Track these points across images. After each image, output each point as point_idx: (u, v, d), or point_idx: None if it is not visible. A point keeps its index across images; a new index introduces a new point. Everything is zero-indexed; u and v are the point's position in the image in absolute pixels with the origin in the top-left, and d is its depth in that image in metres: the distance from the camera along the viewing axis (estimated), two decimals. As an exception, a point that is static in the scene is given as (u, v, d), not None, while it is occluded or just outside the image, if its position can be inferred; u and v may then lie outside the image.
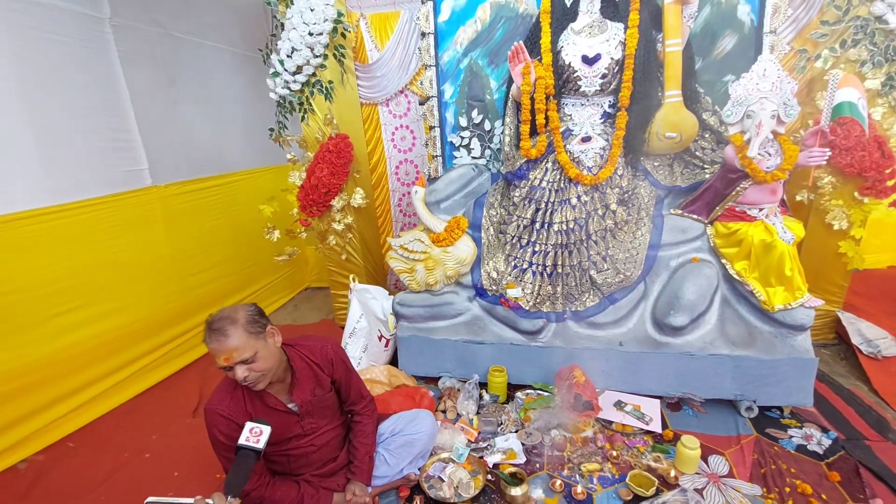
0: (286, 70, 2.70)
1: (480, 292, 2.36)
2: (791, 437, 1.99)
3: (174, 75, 3.06)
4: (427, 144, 2.72)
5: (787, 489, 1.71)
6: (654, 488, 1.71)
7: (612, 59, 2.08)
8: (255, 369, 1.36)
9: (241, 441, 1.24)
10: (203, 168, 3.28)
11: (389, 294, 2.68)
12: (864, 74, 2.34)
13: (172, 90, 3.05)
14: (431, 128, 2.66)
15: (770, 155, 1.95)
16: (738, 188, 2.02)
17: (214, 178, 3.38)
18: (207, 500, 0.95)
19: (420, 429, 1.84)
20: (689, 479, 1.76)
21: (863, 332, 2.71)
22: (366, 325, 2.55)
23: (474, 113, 2.60)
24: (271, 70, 2.77)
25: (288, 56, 2.66)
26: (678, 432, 1.98)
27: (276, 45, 2.72)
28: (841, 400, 2.26)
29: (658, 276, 2.23)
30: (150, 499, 0.98)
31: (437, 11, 2.52)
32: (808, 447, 1.93)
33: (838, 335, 2.83)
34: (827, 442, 1.95)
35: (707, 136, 2.30)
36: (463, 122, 2.61)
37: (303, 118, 2.89)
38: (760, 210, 2.03)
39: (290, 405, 1.52)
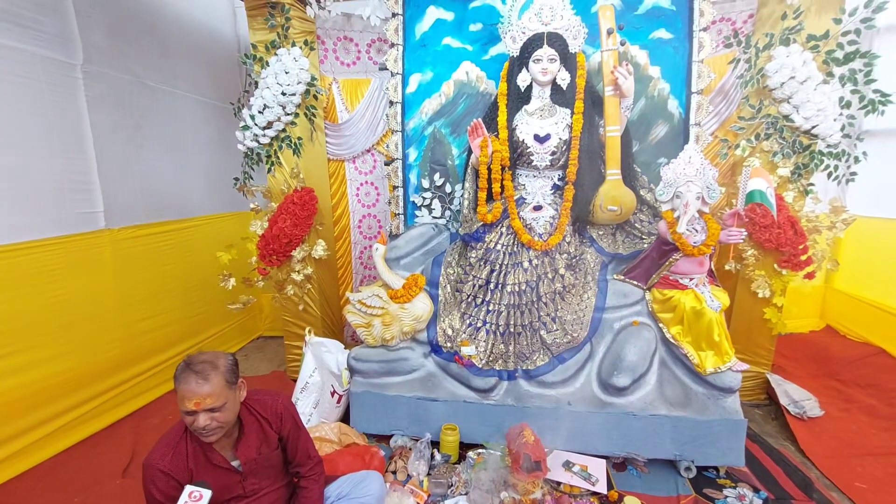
0: (256, 125, 2.80)
1: (435, 349, 2.41)
2: (726, 496, 2.09)
3: (141, 121, 3.09)
4: (390, 202, 2.83)
5: (722, 551, 1.78)
6: (598, 552, 1.74)
7: (560, 139, 2.31)
8: (218, 419, 1.33)
9: None
10: (162, 213, 3.25)
11: (345, 347, 2.68)
12: (776, 163, 2.69)
13: (137, 134, 3.07)
14: (395, 187, 2.79)
15: (697, 231, 2.18)
16: (670, 259, 2.22)
17: (172, 223, 3.34)
18: None
19: (368, 491, 1.79)
20: (631, 542, 1.80)
21: (789, 393, 2.92)
22: (319, 379, 2.51)
23: (436, 176, 2.76)
24: (241, 123, 2.85)
25: (259, 112, 2.77)
26: (623, 493, 2.03)
27: (249, 100, 2.83)
28: (770, 460, 2.40)
29: (603, 338, 2.36)
30: None
31: (405, 83, 2.73)
32: (741, 508, 2.03)
33: (769, 396, 3.03)
34: (758, 502, 2.05)
35: (645, 209, 2.54)
36: (425, 183, 2.77)
37: (269, 170, 2.96)
38: (691, 279, 2.24)
39: (233, 462, 1.47)
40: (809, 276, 2.76)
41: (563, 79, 2.31)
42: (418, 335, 2.44)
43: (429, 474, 2.18)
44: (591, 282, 2.40)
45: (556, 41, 2.27)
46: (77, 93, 2.62)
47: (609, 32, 2.23)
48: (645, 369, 2.25)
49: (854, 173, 2.72)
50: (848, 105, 2.53)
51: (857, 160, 2.67)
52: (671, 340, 2.25)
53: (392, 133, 2.76)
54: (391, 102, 2.73)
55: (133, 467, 2.35)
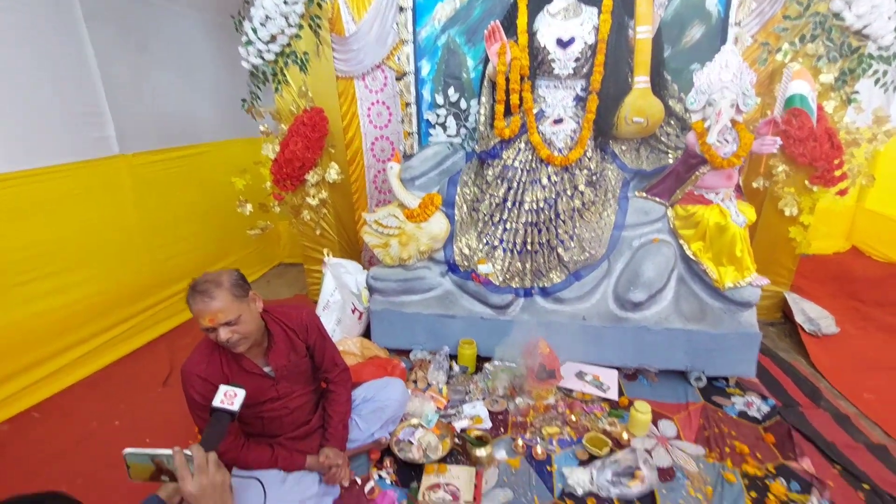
0: (259, 39, 2.64)
1: (453, 268, 2.43)
2: (734, 403, 2.17)
3: (144, 41, 2.95)
4: (403, 121, 2.73)
5: (727, 449, 1.88)
6: (608, 449, 1.85)
7: (585, 42, 2.14)
8: (238, 331, 1.39)
9: (216, 403, 1.27)
10: (173, 138, 3.20)
11: (363, 269, 2.72)
12: (819, 69, 2.47)
13: (142, 56, 2.94)
14: (407, 104, 2.67)
15: (728, 142, 2.06)
16: (697, 173, 2.13)
17: (184, 149, 3.30)
18: (186, 451, 0.98)
19: (391, 395, 1.91)
20: (639, 441, 1.90)
21: (806, 311, 2.92)
22: (339, 298, 2.59)
23: (451, 91, 2.62)
24: (244, 38, 2.70)
25: (261, 24, 2.60)
26: (633, 399, 2.12)
27: (250, 12, 2.65)
28: (781, 371, 2.46)
29: (621, 255, 2.34)
30: (128, 450, 1.00)
31: (415, -14, 2.51)
32: (749, 413, 2.11)
33: (784, 315, 3.04)
34: (765, 408, 2.13)
35: (672, 122, 2.40)
36: (439, 99, 2.64)
37: (276, 89, 2.85)
38: (717, 194, 2.16)
39: (265, 369, 1.56)
40: (842, 192, 2.64)
41: (591, -27, 2.09)
42: (435, 254, 2.46)
43: (447, 383, 2.30)
44: (612, 199, 2.34)
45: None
46: (74, 13, 2.48)
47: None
48: (662, 285, 2.24)
49: (905, 79, 2.49)
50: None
51: (911, 64, 2.43)
52: (691, 257, 2.23)
53: (403, 44, 2.59)
54: (401, 9, 2.52)
55: (172, 378, 2.52)
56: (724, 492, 1.67)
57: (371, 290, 2.54)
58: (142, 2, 2.93)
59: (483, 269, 2.29)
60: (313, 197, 2.94)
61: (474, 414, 2.08)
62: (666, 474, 1.75)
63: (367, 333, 2.71)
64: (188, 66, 3.38)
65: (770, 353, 2.63)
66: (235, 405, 1.25)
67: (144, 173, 2.93)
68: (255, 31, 2.62)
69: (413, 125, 2.70)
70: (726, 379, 2.33)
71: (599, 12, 2.12)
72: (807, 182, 2.60)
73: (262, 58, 2.72)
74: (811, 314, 2.90)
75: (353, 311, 2.64)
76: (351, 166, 3.19)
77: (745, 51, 2.42)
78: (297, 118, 2.79)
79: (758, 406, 2.14)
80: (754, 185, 2.73)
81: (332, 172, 2.91)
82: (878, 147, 2.60)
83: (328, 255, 2.71)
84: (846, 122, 2.58)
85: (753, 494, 1.67)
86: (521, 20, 2.17)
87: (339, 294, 2.58)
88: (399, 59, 2.66)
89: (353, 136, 3.14)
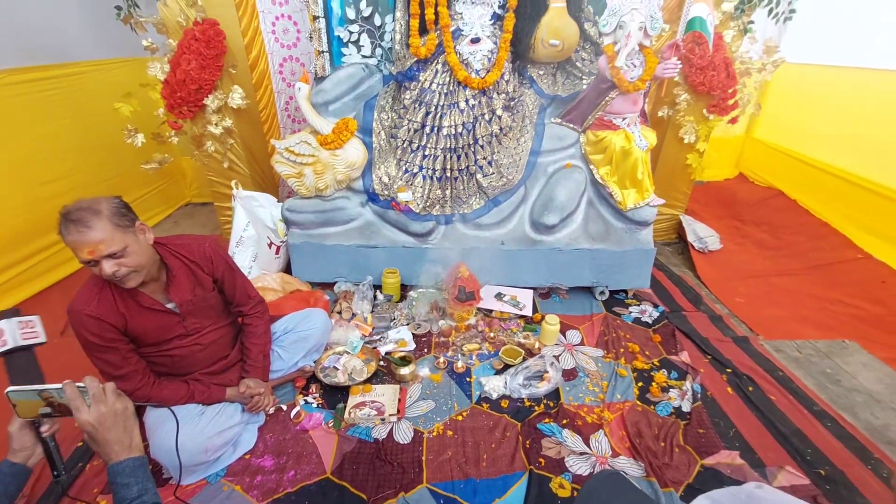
0: (129, -71, 2.22)
1: (372, 197, 2.38)
2: (630, 312, 2.44)
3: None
4: (311, 38, 2.49)
5: (622, 350, 2.13)
6: (521, 358, 2.02)
7: (501, -47, 2.03)
8: (126, 265, 1.27)
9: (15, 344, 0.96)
10: (36, 55, 2.68)
11: (279, 202, 2.58)
12: (720, -4, 2.58)
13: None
14: (315, 18, 2.42)
15: (635, 66, 2.13)
16: (607, 98, 2.20)
17: (53, 68, 2.79)
18: (78, 384, 0.91)
19: (313, 324, 1.91)
20: (549, 350, 2.10)
21: (697, 231, 3.27)
22: (254, 233, 2.46)
23: (363, 4, 2.40)
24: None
25: None
26: (545, 315, 2.30)
27: None
28: (671, 283, 2.78)
29: (537, 181, 2.42)
30: (10, 388, 0.91)
31: None
32: (642, 319, 2.39)
33: (679, 235, 3.39)
34: (656, 314, 2.42)
35: (588, 47, 2.41)
36: (351, 14, 2.41)
37: (159, -5, 2.45)
38: (623, 119, 2.26)
39: (168, 305, 1.47)
40: (733, 120, 2.88)
41: None
42: (353, 184, 2.38)
43: (372, 312, 2.33)
44: (529, 125, 2.37)
45: None
46: None
47: None
48: (573, 208, 2.38)
49: (793, 10, 2.69)
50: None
51: (795, -4, 2.61)
52: (599, 181, 2.36)
53: (306, -54, 2.29)
54: None
55: (69, 328, 2.32)
56: (616, 384, 1.92)
57: (288, 223, 2.43)
58: None
59: (403, 196, 2.27)
60: (216, 125, 2.67)
61: (399, 338, 2.15)
62: (569, 374, 1.97)
63: (287, 269, 2.63)
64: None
65: (664, 268, 2.95)
66: (40, 337, 1.00)
67: (4, 96, 2.47)
68: (120, -83, 2.19)
69: (323, 43, 2.46)
70: (626, 291, 2.59)
71: (516, -81, 2.00)
72: (704, 111, 2.80)
73: (135, -46, 2.30)
74: (700, 234, 3.26)
75: (270, 246, 2.54)
76: (258, 91, 2.91)
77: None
78: (186, 32, 2.44)
79: (650, 313, 2.43)
80: (660, 114, 2.89)
81: (236, 97, 2.64)
82: (766, 77, 2.83)
83: (237, 187, 2.53)
84: (741, 52, 2.76)
85: (640, 384, 1.93)
86: (435, -77, 2.00)
87: (252, 228, 2.45)
88: (303, -36, 2.37)
89: (259, 56, 2.84)
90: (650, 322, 2.36)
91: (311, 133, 2.30)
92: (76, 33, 3.00)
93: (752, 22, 2.65)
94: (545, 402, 1.82)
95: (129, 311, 1.40)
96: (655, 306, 2.48)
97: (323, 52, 2.48)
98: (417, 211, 2.32)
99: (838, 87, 3.44)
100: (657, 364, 2.06)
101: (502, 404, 1.81)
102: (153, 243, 1.41)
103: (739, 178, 4.27)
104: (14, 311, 0.99)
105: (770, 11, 2.68)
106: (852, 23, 3.30)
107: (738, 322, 2.48)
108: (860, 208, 3.12)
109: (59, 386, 0.91)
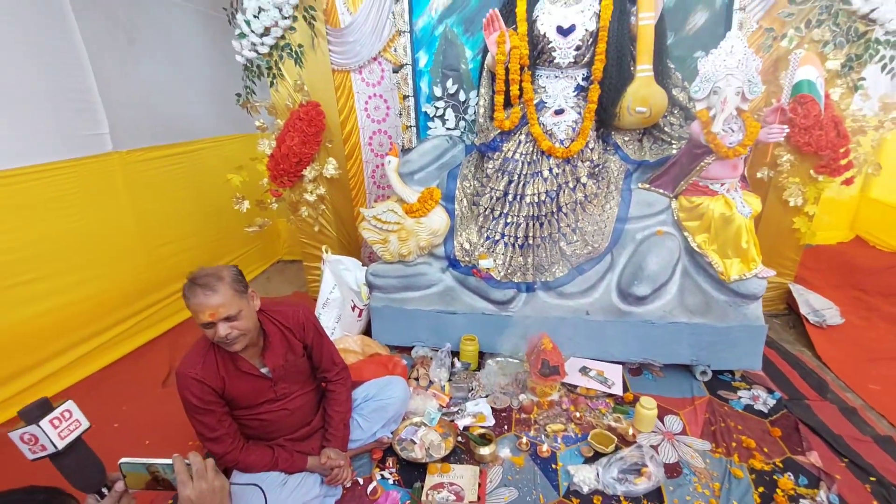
0: (253, 31, 2.59)
1: (453, 263, 2.39)
2: (740, 397, 2.14)
3: (134, 33, 2.89)
4: (401, 114, 2.68)
5: (734, 444, 1.85)
6: (614, 445, 1.82)
7: (586, 30, 2.08)
8: (238, 328, 1.37)
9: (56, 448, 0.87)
10: (167, 134, 3.15)
11: (363, 265, 2.69)
12: (825, 55, 2.42)
13: (132, 49, 2.88)
14: (405, 97, 2.62)
15: (733, 131, 2.01)
16: (702, 163, 2.08)
17: (179, 146, 3.25)
18: (185, 460, 0.95)
19: (393, 394, 1.88)
20: (645, 437, 1.88)
21: (811, 302, 2.89)
22: (339, 295, 2.55)
23: (449, 83, 2.57)
24: (237, 31, 2.64)
25: (255, 16, 2.54)
26: (637, 395, 2.09)
27: (242, 3, 2.59)
28: (787, 364, 2.44)
29: (624, 248, 2.30)
30: (123, 459, 0.97)
31: (411, -24, 2.45)
32: (755, 407, 2.08)
33: (788, 306, 3.01)
34: (771, 402, 2.11)
35: (676, 111, 2.34)
36: (438, 91, 2.58)
37: (272, 84, 2.79)
38: (722, 185, 2.11)
39: (262, 370, 1.53)
40: (848, 181, 2.60)
41: (591, -42, 2.03)
42: (435, 250, 2.42)
43: (450, 380, 2.27)
44: (615, 191, 2.30)
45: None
46: (63, 4, 2.41)
47: None
48: (666, 279, 2.21)
49: (913, 64, 2.44)
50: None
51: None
52: (696, 249, 2.19)
53: (399, 35, 2.53)
54: (396, -1, 2.47)
55: (171, 378, 2.50)
56: (731, 487, 1.65)
57: (371, 286, 2.50)
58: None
59: (484, 263, 2.26)
60: (311, 193, 2.89)
61: (477, 412, 2.05)
62: (672, 470, 1.73)
63: (367, 331, 2.68)
64: (180, 59, 3.32)
65: (775, 346, 2.60)
66: (81, 428, 0.91)
67: (138, 171, 2.89)
68: (248, 23, 2.57)
69: (411, 118, 2.64)
70: (732, 372, 2.30)
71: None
72: (812, 171, 2.56)
73: (257, 51, 2.66)
74: (815, 305, 2.87)
75: (353, 309, 2.61)
76: (349, 161, 3.15)
77: (749, 37, 2.36)
78: (293, 113, 2.73)
79: (764, 399, 2.12)
80: (759, 175, 2.68)
81: (330, 167, 2.86)
82: (884, 135, 2.56)
83: (327, 251, 2.67)
84: (852, 110, 2.53)
85: (761, 489, 1.65)
86: (521, 8, 2.11)
87: (338, 291, 2.55)
88: (396, 50, 2.61)
89: (351, 131, 3.09)
90: (766, 411, 2.05)
91: (398, 201, 2.40)
92: (201, 116, 3.50)
93: (863, 78, 2.45)
94: (644, 501, 1.60)
95: (228, 375, 1.47)
96: (770, 392, 2.16)
97: (411, 126, 2.65)
98: (498, 278, 2.29)
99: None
100: (780, 465, 1.75)
101: (595, 501, 1.62)
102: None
103: (856, 241, 3.78)
104: (42, 405, 0.87)
105: (884, 67, 2.46)
106: None
107: (877, 416, 2.09)
108: None
109: (166, 462, 0.95)
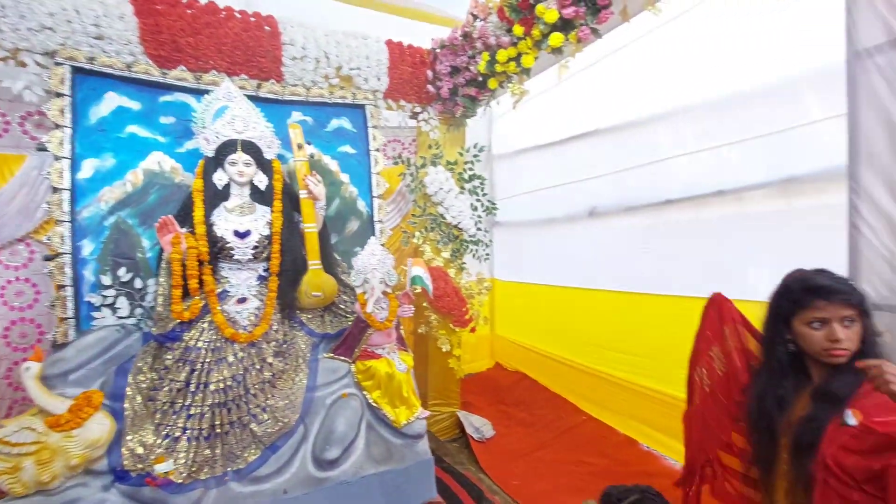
0: None
1: (120, 476, 2.05)
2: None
3: None
4: (54, 306, 2.34)
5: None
6: None
7: (261, 234, 2.48)
8: None
9: None
10: None
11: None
12: (440, 248, 3.58)
13: None
14: (61, 286, 2.33)
15: (383, 308, 2.68)
16: (367, 333, 2.64)
17: None
18: None
19: None
20: None
21: (472, 422, 3.74)
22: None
23: (122, 271, 2.46)
24: None
25: None
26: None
27: None
28: (458, 484, 3.01)
29: (317, 415, 2.52)
30: None
31: (76, 168, 2.41)
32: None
33: (461, 430, 3.79)
34: (447, 526, 2.54)
35: (348, 291, 2.92)
36: (106, 280, 2.42)
37: None
38: (384, 349, 2.70)
39: None
40: (472, 330, 3.71)
41: (261, 181, 2.53)
42: (94, 465, 2.03)
43: None
44: (303, 364, 2.58)
45: (251, 148, 2.49)
46: None
47: (299, 147, 2.61)
48: (354, 436, 2.51)
49: (488, 254, 3.89)
50: (475, 208, 3.65)
51: (487, 245, 3.84)
52: (373, 405, 2.62)
53: (56, 223, 2.34)
54: (54, 189, 2.34)
55: None
56: None
57: (-18, 541, 1.83)
58: None
59: (161, 468, 2.03)
60: None
61: None
62: None
63: None
64: None
65: (451, 470, 3.19)
66: None
67: None
68: None
69: (69, 310, 2.33)
70: (420, 508, 2.67)
71: (272, 211, 2.54)
72: (451, 325, 3.56)
73: None
74: (476, 424, 3.73)
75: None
76: (-36, 362, 2.42)
77: (389, 238, 3.30)
78: None
79: (442, 526, 2.53)
80: (420, 330, 3.52)
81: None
82: (483, 297, 3.84)
83: None
84: (464, 282, 3.75)
85: None
86: (198, 213, 2.37)
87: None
88: (50, 238, 2.37)
89: (-26, 324, 2.45)
90: (443, 537, 2.44)
91: (38, 415, 1.97)
92: None
93: (464, 263, 3.72)
94: None
95: None
96: (445, 515, 2.61)
97: (67, 318, 2.34)
98: (180, 481, 2.08)
99: (537, 297, 4.84)
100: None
101: None
102: None
103: (496, 366, 5.22)
104: None
105: (474, 254, 3.84)
106: (531, 251, 4.91)
107: (518, 506, 2.78)
108: (573, 381, 4.15)
109: None
